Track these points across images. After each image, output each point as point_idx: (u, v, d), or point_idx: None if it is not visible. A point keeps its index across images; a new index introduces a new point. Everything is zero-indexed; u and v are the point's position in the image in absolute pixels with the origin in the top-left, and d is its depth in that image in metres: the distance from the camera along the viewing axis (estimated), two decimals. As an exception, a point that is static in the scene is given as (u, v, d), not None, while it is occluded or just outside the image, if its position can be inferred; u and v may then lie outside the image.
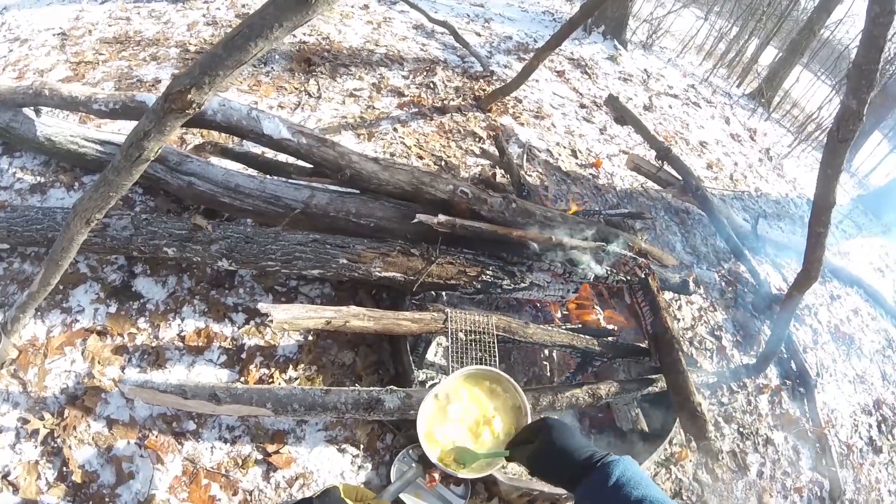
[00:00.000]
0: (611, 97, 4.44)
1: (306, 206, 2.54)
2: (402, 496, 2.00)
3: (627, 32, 7.50)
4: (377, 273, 2.37)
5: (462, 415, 1.33)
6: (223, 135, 2.92)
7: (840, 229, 6.31)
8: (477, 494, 2.22)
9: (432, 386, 1.51)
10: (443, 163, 3.77)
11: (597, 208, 3.89)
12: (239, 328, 2.42)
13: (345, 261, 2.32)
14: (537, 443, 1.13)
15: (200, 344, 2.32)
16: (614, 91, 6.11)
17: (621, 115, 4.35)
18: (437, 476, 2.10)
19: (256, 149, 2.85)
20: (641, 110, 6.08)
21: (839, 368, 4.17)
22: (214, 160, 2.77)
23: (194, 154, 2.71)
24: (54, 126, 2.61)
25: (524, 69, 4.38)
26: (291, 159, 2.52)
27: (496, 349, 2.27)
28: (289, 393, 1.95)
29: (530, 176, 4.07)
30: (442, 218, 2.34)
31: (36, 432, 1.93)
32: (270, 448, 2.12)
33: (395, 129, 3.91)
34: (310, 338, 2.47)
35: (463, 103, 4.55)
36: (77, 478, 1.87)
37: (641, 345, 2.86)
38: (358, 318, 2.14)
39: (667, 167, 4.20)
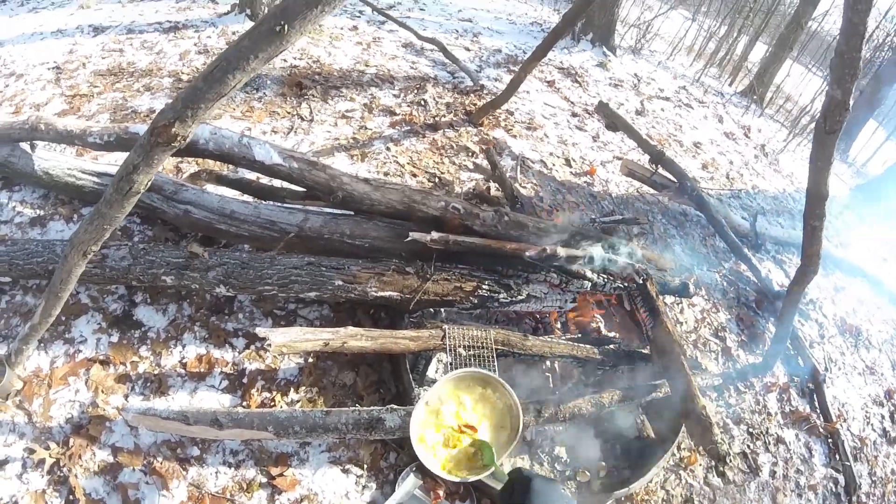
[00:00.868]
0: (601, 104, 4.47)
1: (301, 229, 2.57)
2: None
3: (616, 38, 7.55)
4: (373, 293, 2.38)
5: (452, 419, 1.34)
6: (217, 162, 2.96)
7: (840, 220, 6.29)
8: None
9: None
10: (437, 179, 3.80)
11: (592, 216, 3.90)
12: (240, 353, 2.44)
13: (340, 282, 2.34)
14: (512, 494, 1.14)
15: (202, 370, 2.34)
16: (605, 97, 6.14)
17: (612, 121, 4.37)
18: (441, 493, 2.11)
19: (250, 175, 2.89)
20: (634, 115, 6.11)
21: (848, 361, 4.13)
22: (210, 188, 2.82)
23: (190, 182, 2.74)
24: (52, 160, 2.65)
25: (512, 81, 4.42)
26: (285, 184, 2.55)
27: (496, 363, 2.28)
28: (290, 416, 1.96)
29: (525, 187, 4.09)
30: (435, 235, 2.36)
31: (42, 462, 1.95)
32: (274, 471, 2.12)
33: (387, 149, 3.95)
34: (310, 360, 2.49)
35: (454, 119, 4.59)
36: (83, 507, 1.88)
37: (643, 350, 2.85)
38: (355, 338, 2.15)
39: (661, 170, 4.21)
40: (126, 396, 2.19)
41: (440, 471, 1.27)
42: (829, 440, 3.39)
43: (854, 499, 3.16)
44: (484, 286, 2.54)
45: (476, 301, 2.54)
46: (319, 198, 2.51)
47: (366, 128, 4.11)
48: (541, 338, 2.57)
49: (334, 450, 2.24)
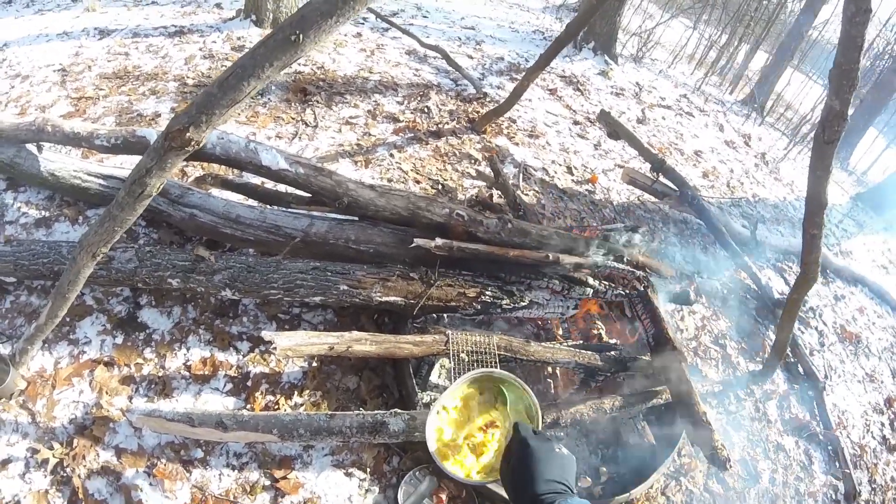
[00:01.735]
0: (603, 112, 4.50)
1: (306, 234, 2.59)
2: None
3: (617, 47, 7.61)
4: (377, 298, 2.40)
5: (467, 424, 1.34)
6: (223, 167, 2.98)
7: (841, 228, 6.32)
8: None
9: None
10: (440, 186, 3.83)
11: (593, 223, 3.93)
12: (244, 356, 2.45)
13: (345, 287, 2.36)
14: (512, 461, 1.13)
15: (206, 373, 2.35)
16: (607, 106, 6.19)
17: (614, 129, 4.40)
18: (444, 497, 2.12)
19: (256, 179, 2.90)
20: (635, 123, 6.15)
21: (847, 369, 4.15)
22: (215, 192, 2.83)
23: (195, 186, 2.77)
24: (58, 161, 2.67)
25: (515, 90, 4.45)
26: (290, 189, 2.58)
27: (498, 368, 2.29)
28: (294, 419, 1.97)
29: (527, 195, 4.12)
30: (439, 241, 2.39)
31: (45, 462, 1.96)
32: (278, 474, 2.13)
33: (391, 155, 3.97)
34: (314, 364, 2.50)
35: (457, 126, 4.63)
36: (86, 508, 1.89)
37: (644, 357, 2.87)
38: (360, 343, 2.17)
39: (662, 179, 4.24)
40: (130, 398, 2.20)
41: (465, 478, 1.25)
42: (829, 447, 3.41)
43: (853, 506, 3.17)
44: (487, 292, 2.56)
45: (479, 307, 2.56)
46: (325, 203, 2.53)
47: (370, 134, 4.14)
48: (543, 344, 2.59)
49: (338, 453, 2.25)
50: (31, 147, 2.64)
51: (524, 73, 4.45)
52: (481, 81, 5.60)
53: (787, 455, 3.26)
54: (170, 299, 2.53)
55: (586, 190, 4.55)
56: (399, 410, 2.07)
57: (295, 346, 2.05)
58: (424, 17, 7.29)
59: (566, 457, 1.10)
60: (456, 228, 2.56)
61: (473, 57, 6.33)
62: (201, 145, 1.45)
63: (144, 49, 4.45)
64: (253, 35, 5.02)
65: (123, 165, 2.88)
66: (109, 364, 2.27)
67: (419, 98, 4.87)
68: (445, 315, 2.56)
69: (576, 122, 5.57)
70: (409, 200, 2.54)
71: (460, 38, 6.82)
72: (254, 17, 5.15)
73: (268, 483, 2.11)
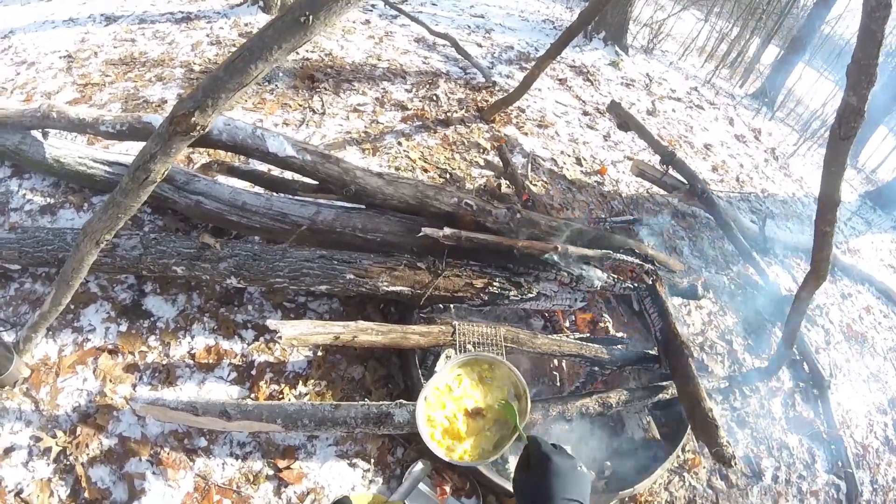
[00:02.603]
0: (613, 103, 4.45)
1: (312, 222, 2.56)
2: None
3: (628, 37, 7.52)
4: (384, 287, 2.38)
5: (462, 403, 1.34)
6: (229, 153, 2.96)
7: (849, 226, 6.27)
8: (489, 505, 2.21)
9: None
10: (448, 175, 3.79)
11: (602, 215, 3.89)
12: (248, 345, 2.44)
13: (352, 276, 2.34)
14: (532, 475, 1.12)
15: (211, 361, 2.34)
16: (617, 97, 6.12)
17: (624, 121, 4.35)
18: (447, 489, 2.11)
19: (262, 166, 2.88)
20: (645, 115, 6.08)
21: (853, 368, 4.12)
22: (221, 179, 2.81)
23: (201, 173, 2.74)
24: (63, 148, 2.65)
25: (525, 79, 4.40)
26: (297, 176, 2.55)
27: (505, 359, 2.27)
28: (299, 408, 1.96)
29: (535, 185, 4.08)
30: (447, 231, 2.36)
31: (48, 450, 1.95)
32: (281, 463, 2.12)
33: (399, 143, 3.94)
34: (319, 353, 2.49)
35: (466, 115, 4.58)
36: (89, 495, 1.89)
37: (651, 351, 2.84)
38: (366, 332, 2.15)
39: (672, 171, 4.19)
40: (134, 386, 2.19)
41: (456, 460, 1.26)
42: (833, 447, 3.38)
43: (855, 506, 3.16)
44: (495, 283, 2.53)
45: (487, 298, 2.54)
46: (332, 191, 2.50)
47: (377, 122, 4.10)
48: (550, 336, 2.56)
49: (341, 443, 2.24)
50: (37, 133, 2.62)
51: (534, 63, 4.39)
52: (490, 70, 5.53)
53: (790, 453, 3.24)
54: (174, 287, 2.52)
55: (595, 181, 4.51)
56: (404, 401, 2.06)
57: (300, 335, 2.03)
58: (433, 4, 7.21)
59: (585, 475, 1.11)
60: (464, 218, 2.53)
61: (483, 45, 6.26)
62: (207, 130, 1.42)
63: (151, 35, 4.41)
64: (260, 21, 4.97)
65: (129, 152, 2.86)
66: (113, 352, 2.26)
67: (428, 86, 4.82)
68: (452, 306, 2.54)
69: (585, 113, 5.51)
70: (417, 189, 2.51)
71: (469, 27, 6.74)
72: (261, 3, 5.10)
73: (271, 473, 2.10)
